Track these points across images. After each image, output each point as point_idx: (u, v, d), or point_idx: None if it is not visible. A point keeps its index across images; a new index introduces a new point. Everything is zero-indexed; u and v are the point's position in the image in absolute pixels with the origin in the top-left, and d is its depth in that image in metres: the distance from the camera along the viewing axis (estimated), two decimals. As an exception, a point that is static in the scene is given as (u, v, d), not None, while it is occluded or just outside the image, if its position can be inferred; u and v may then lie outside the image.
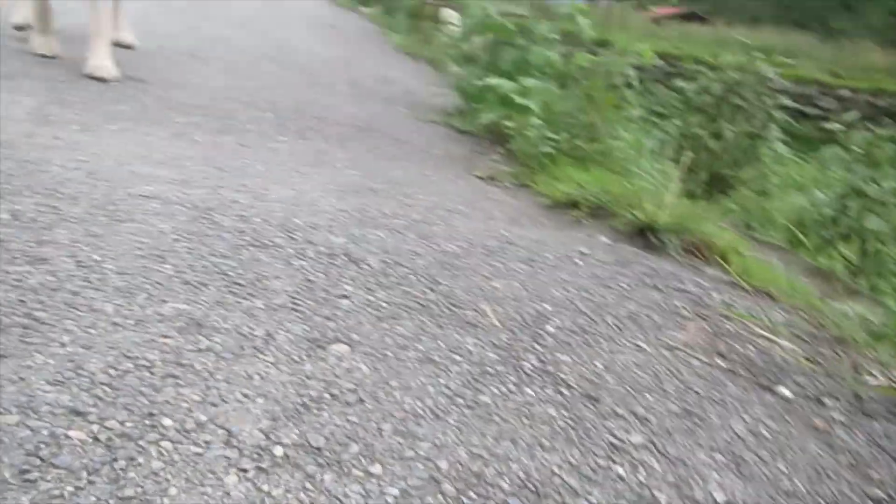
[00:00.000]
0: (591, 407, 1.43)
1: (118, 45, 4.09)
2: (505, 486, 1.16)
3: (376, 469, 1.15)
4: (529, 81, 3.84)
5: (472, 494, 1.13)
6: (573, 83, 3.80)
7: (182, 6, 6.81)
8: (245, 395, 1.27)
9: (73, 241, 1.67)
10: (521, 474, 1.19)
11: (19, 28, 3.74)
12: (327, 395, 1.31)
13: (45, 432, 1.08)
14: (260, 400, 1.26)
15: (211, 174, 2.34)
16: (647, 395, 1.51)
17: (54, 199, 1.86)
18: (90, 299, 1.45)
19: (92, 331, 1.35)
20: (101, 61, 3.33)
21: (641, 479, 1.25)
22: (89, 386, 1.20)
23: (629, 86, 3.80)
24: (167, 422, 1.16)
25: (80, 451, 1.06)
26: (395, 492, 1.11)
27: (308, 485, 1.09)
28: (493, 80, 3.98)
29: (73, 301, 1.44)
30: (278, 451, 1.15)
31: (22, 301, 1.40)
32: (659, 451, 1.33)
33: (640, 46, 3.86)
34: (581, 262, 2.22)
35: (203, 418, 1.19)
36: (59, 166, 2.08)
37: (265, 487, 1.07)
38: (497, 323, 1.71)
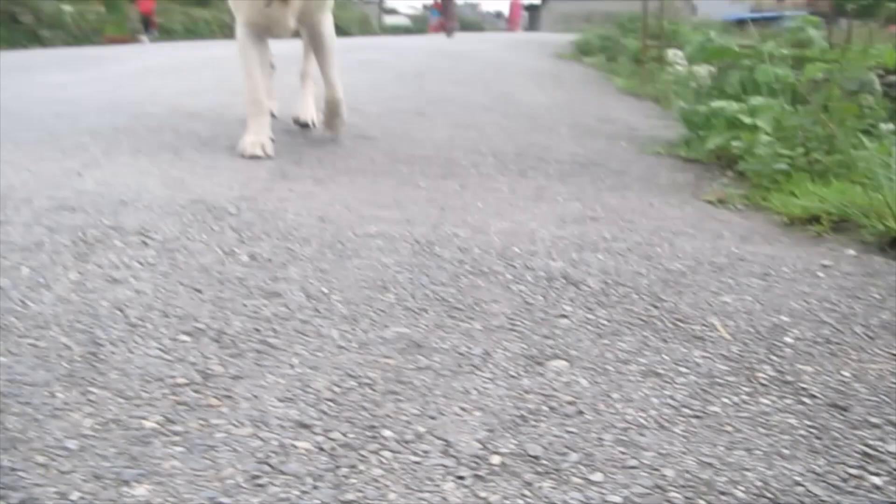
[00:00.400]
0: (839, 416, 1.29)
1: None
2: (740, 494, 1.07)
3: (597, 477, 1.10)
4: (757, 100, 3.65)
5: (701, 503, 1.05)
6: (806, 96, 3.57)
7: (408, 72, 7.18)
8: (462, 409, 1.27)
9: (304, 276, 1.78)
10: (758, 483, 1.09)
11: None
12: (545, 408, 1.28)
13: (274, 443, 1.14)
14: (477, 413, 1.26)
15: (432, 213, 2.42)
16: (907, 405, 1.34)
17: (288, 242, 1.99)
18: (318, 326, 1.53)
19: (319, 354, 1.42)
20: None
21: (903, 490, 1.10)
22: (315, 402, 1.26)
23: (870, 93, 3.52)
24: (387, 433, 1.19)
25: (306, 460, 1.10)
26: (618, 499, 1.05)
27: (526, 491, 1.06)
28: (719, 104, 3.83)
29: (302, 328, 1.52)
30: (495, 459, 1.13)
31: (257, 330, 1.50)
32: (923, 462, 1.17)
33: (881, 48, 3.57)
34: (823, 275, 2.04)
35: (422, 430, 1.20)
36: (294, 214, 2.23)
37: (482, 494, 1.05)
38: (727, 336, 1.60)
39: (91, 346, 1.38)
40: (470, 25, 32.92)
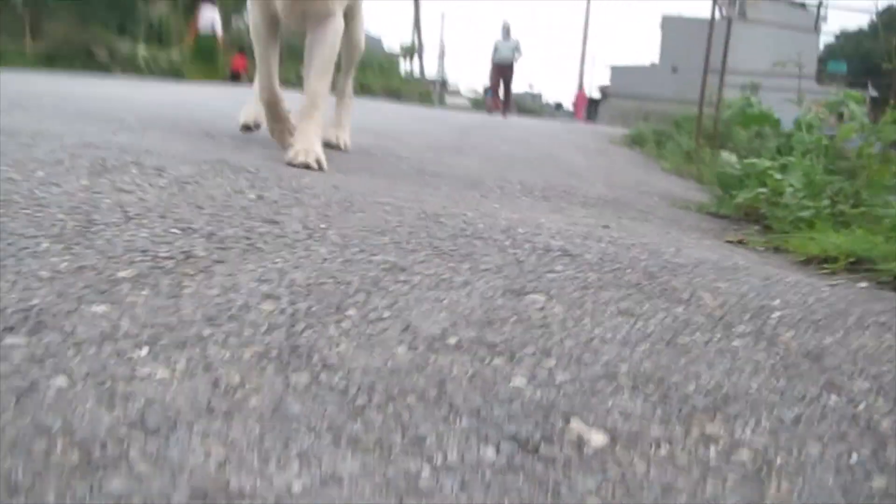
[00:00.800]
0: (809, 361, 1.27)
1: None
2: (689, 389, 1.06)
3: (550, 363, 1.10)
4: (789, 159, 3.66)
5: (650, 387, 1.04)
6: (839, 157, 3.58)
7: (456, 126, 7.33)
8: (431, 308, 1.28)
9: (306, 216, 1.82)
10: (711, 384, 1.08)
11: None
12: (514, 318, 1.29)
13: (239, 302, 1.16)
14: (444, 312, 1.27)
15: (446, 202, 2.46)
16: (885, 366, 1.32)
17: (299, 194, 2.04)
18: (308, 245, 1.56)
19: (303, 259, 1.45)
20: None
21: (860, 410, 1.08)
22: (289, 286, 1.28)
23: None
24: (351, 311, 1.20)
25: (266, 315, 1.12)
26: (565, 378, 1.05)
27: (476, 363, 1.07)
28: (751, 160, 3.85)
29: (292, 245, 1.55)
30: (452, 340, 1.14)
31: (248, 238, 1.53)
32: (886, 396, 1.15)
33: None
34: (828, 290, 2.02)
35: (386, 315, 1.21)
36: (310, 179, 2.29)
37: (432, 359, 1.06)
38: (713, 304, 1.59)
39: (85, 223, 1.43)
40: (529, 111, 33.42)
